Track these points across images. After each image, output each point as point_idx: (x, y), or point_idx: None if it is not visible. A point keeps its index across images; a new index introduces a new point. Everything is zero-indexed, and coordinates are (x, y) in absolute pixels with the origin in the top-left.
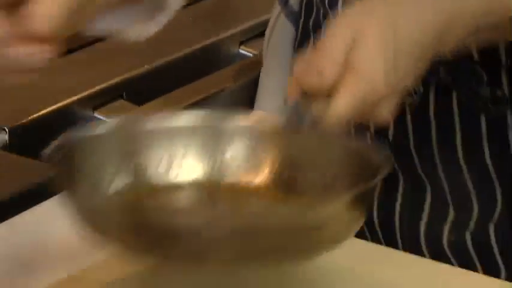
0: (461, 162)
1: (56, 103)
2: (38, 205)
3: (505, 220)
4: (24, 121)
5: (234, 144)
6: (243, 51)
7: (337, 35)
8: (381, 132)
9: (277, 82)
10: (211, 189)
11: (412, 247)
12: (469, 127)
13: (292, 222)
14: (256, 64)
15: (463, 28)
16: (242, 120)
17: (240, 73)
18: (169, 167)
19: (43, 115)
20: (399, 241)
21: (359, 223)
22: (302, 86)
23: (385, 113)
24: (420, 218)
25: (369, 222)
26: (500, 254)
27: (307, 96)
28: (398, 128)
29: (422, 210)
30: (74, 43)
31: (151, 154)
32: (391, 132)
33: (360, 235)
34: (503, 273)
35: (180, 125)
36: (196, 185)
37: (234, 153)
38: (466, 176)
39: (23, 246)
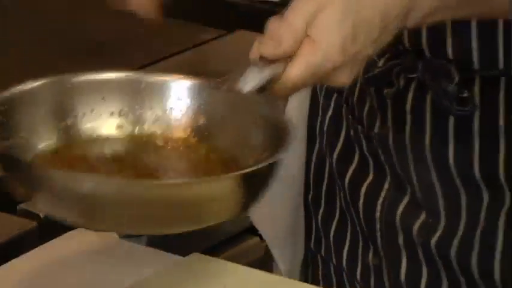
0: (429, 162)
1: None
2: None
3: (469, 239)
4: (0, 175)
5: (156, 99)
6: None
7: (299, 7)
8: (369, 126)
9: None
10: (130, 143)
11: (389, 243)
12: (438, 127)
13: (181, 188)
14: None
15: (430, 2)
16: (165, 76)
17: None
18: (90, 121)
19: None
20: (378, 233)
21: (249, 201)
22: (261, 52)
23: (344, 79)
24: (395, 215)
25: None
26: (461, 271)
27: (268, 60)
28: (382, 122)
29: (397, 208)
30: None
31: (75, 108)
32: (377, 125)
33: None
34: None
35: (103, 79)
36: (117, 139)
37: (156, 108)
38: (434, 177)
39: None
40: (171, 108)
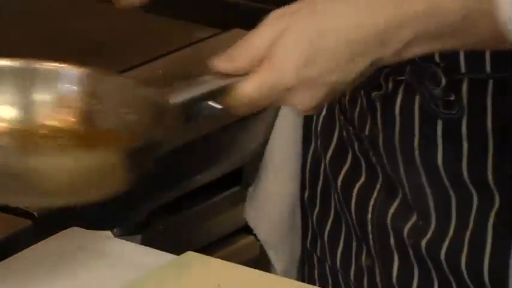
0: (418, 164)
1: None
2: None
3: (458, 241)
4: None
5: (45, 87)
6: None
7: (264, 29)
8: (360, 127)
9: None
10: (19, 131)
11: (381, 244)
12: (427, 129)
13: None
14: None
15: (408, 32)
16: (55, 66)
17: (210, 124)
18: None
19: None
20: (370, 235)
21: (130, 178)
22: (215, 65)
23: (303, 102)
24: (386, 217)
25: (348, 213)
26: (451, 272)
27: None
28: (372, 123)
29: (388, 210)
30: None
31: None
32: (368, 127)
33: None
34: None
35: None
36: (6, 126)
37: (44, 95)
38: (424, 179)
39: None
40: (58, 94)
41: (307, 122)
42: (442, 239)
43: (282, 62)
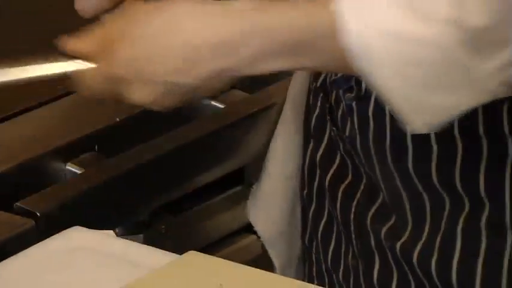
0: (392, 167)
1: (27, 155)
2: (11, 257)
3: (431, 244)
4: None
5: None
6: (214, 102)
7: (116, 18)
8: (342, 128)
9: (290, 146)
10: None
11: (363, 245)
12: (397, 133)
13: None
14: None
15: (252, 45)
16: None
17: (212, 124)
18: None
19: (13, 167)
20: (353, 235)
21: None
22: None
23: (140, 97)
24: (367, 218)
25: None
26: (423, 275)
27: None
28: (351, 125)
29: (369, 211)
30: (46, 95)
31: None
32: (348, 128)
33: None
34: None
35: None
36: None
37: None
38: (398, 182)
39: None
40: None
41: (307, 121)
42: (415, 242)
43: (119, 53)
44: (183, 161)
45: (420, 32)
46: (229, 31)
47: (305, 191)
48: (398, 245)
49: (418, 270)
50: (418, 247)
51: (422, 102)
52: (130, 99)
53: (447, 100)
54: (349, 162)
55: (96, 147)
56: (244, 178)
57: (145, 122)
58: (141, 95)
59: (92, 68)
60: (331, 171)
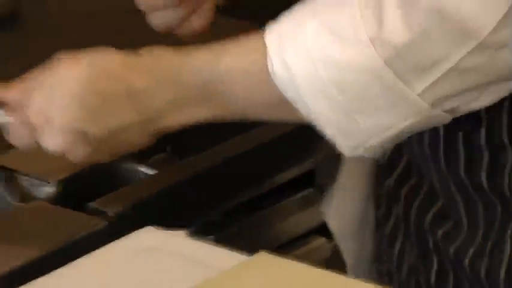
0: (445, 171)
1: None
2: (83, 257)
3: (482, 248)
4: (71, 174)
5: None
6: None
7: (33, 76)
8: None
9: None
10: None
11: (421, 245)
12: (450, 137)
13: None
14: None
15: (163, 97)
16: None
17: (284, 126)
18: None
19: (87, 168)
20: (413, 237)
21: None
22: None
23: (51, 144)
24: (425, 219)
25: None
26: (474, 280)
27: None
28: None
29: (428, 212)
30: None
31: None
32: None
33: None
34: None
35: None
36: None
37: None
38: (452, 186)
39: None
40: None
41: None
42: (467, 247)
43: (33, 102)
44: (254, 163)
45: (343, 56)
46: (138, 83)
47: (378, 191)
48: (452, 248)
49: (469, 274)
50: (470, 252)
51: (350, 126)
52: (46, 148)
53: (376, 122)
54: (412, 165)
55: (168, 148)
56: (315, 180)
57: (217, 123)
58: (52, 142)
59: (12, 119)
60: (396, 172)
